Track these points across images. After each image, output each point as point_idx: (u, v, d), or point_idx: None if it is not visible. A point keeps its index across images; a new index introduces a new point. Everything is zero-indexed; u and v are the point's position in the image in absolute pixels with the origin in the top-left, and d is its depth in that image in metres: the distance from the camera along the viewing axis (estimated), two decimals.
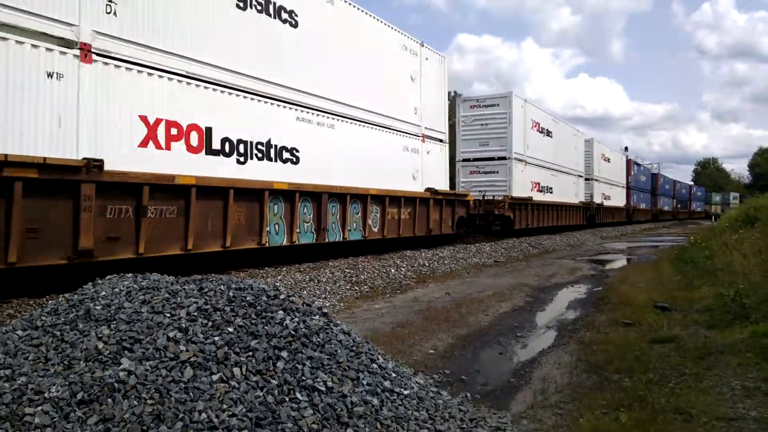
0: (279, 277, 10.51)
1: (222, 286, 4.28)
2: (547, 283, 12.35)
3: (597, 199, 37.03)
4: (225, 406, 3.10)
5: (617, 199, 43.24)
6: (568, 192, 31.31)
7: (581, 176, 33.95)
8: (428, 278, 12.68)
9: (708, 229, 22.42)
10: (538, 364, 6.14)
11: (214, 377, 3.27)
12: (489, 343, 7.03)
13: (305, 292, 9.69)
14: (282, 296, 4.29)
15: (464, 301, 9.58)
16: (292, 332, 3.84)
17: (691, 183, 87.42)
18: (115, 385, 3.07)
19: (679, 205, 74.38)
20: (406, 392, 3.88)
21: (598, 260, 18.14)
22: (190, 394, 3.12)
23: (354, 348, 4.10)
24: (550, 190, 28.17)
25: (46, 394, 3.03)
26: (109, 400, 2.99)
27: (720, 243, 13.29)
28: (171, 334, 3.53)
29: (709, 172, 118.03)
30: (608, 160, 40.87)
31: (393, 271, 12.68)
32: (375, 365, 4.04)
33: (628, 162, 48.58)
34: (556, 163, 29.04)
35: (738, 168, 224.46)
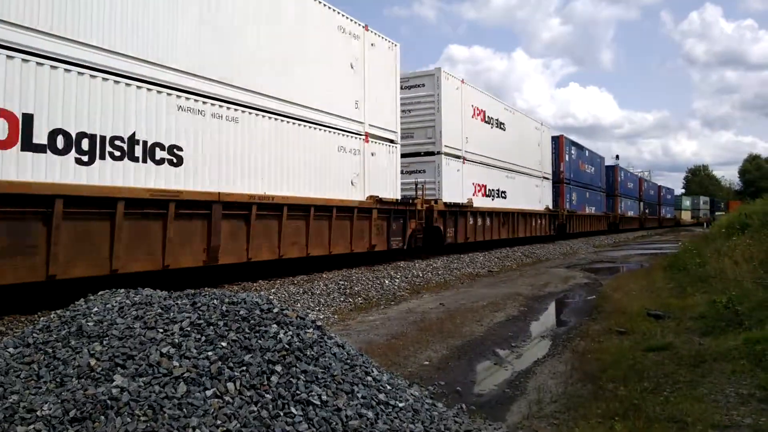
0: (272, 290, 10.48)
1: (215, 301, 4.27)
2: (540, 292, 12.36)
3: (451, 196, 18.65)
4: (219, 422, 3.08)
5: (528, 197, 26.21)
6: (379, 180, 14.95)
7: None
8: (422, 289, 12.68)
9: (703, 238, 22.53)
10: (533, 374, 6.14)
11: (208, 393, 3.26)
12: (484, 354, 7.03)
13: (299, 305, 9.67)
14: (275, 309, 4.28)
15: (458, 312, 9.58)
16: (286, 346, 3.83)
17: (659, 184, 72.85)
18: (108, 402, 3.05)
19: (647, 210, 59.96)
20: (401, 405, 3.87)
21: (591, 269, 18.19)
22: (184, 410, 3.10)
23: (348, 361, 4.09)
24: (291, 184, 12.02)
25: (38, 412, 3.01)
26: (102, 417, 2.97)
27: (712, 250, 13.37)
28: (164, 350, 3.51)
29: (699, 179, 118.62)
30: (499, 126, 22.98)
31: (387, 282, 12.67)
32: (370, 378, 4.03)
33: (560, 140, 31.52)
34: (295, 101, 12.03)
35: (728, 175, 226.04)
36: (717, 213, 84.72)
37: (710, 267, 11.35)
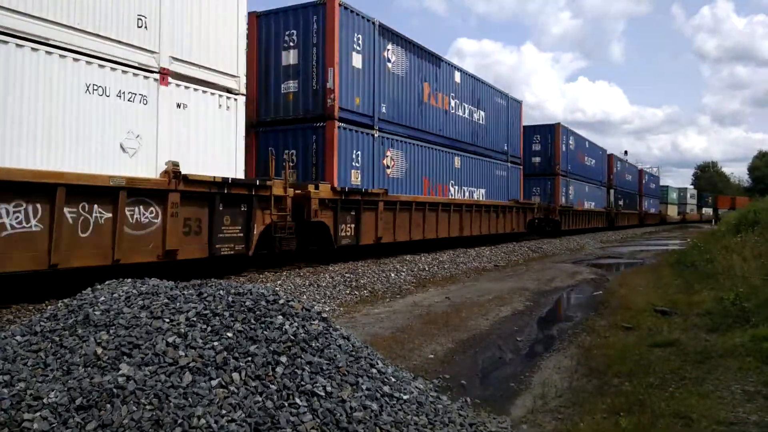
0: (278, 282, 10.50)
1: (221, 291, 4.28)
2: (547, 287, 12.34)
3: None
4: (224, 412, 3.09)
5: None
6: None
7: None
8: (428, 282, 12.67)
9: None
10: (538, 369, 6.14)
11: (213, 382, 3.27)
12: (489, 348, 7.03)
13: (305, 297, 9.69)
14: (281, 301, 4.29)
15: (464, 306, 9.57)
16: (292, 337, 3.84)
17: (640, 166, 54.62)
18: (114, 390, 3.06)
19: (621, 201, 43.36)
20: (405, 397, 3.87)
21: (598, 264, 18.14)
22: (189, 399, 3.11)
23: (353, 353, 4.10)
24: None
25: (44, 400, 3.03)
26: (108, 405, 2.99)
27: (720, 246, 13.29)
28: (170, 340, 3.53)
29: (708, 176, 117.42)
30: None
31: (393, 275, 12.67)
32: (374, 370, 4.03)
33: (329, 6, 12.56)
34: None
35: (738, 172, 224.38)
36: (704, 209, 77.38)
37: (718, 263, 11.28)
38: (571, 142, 31.31)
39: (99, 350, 3.44)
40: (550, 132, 29.24)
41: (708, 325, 7.40)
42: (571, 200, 30.61)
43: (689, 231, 41.88)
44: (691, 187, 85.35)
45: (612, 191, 40.80)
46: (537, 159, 28.95)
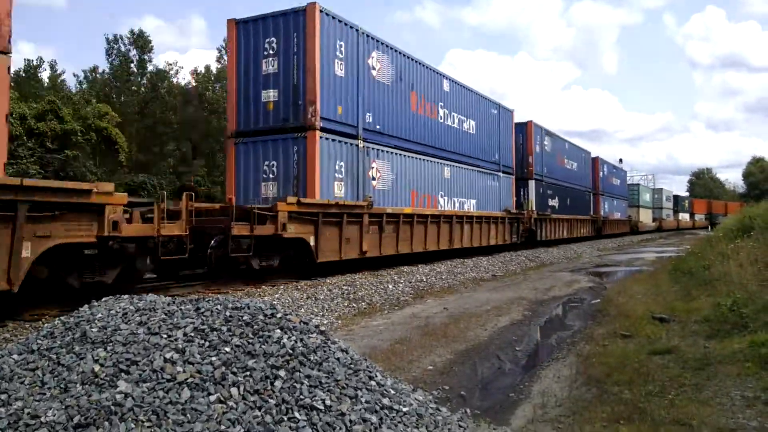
0: (276, 296, 10.47)
1: (219, 306, 4.27)
2: (545, 296, 12.33)
3: None
4: (223, 427, 3.08)
5: None
6: None
7: None
8: (426, 294, 12.66)
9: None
10: (538, 378, 6.13)
11: (212, 398, 3.26)
12: (488, 358, 7.01)
13: (303, 310, 9.66)
14: (279, 315, 4.28)
15: (462, 316, 9.56)
16: (290, 351, 3.83)
17: (592, 154, 38.58)
18: (112, 407, 3.05)
19: (557, 201, 29.51)
20: (405, 409, 3.86)
21: (596, 273, 18.15)
22: (188, 415, 3.10)
23: (352, 365, 4.09)
24: None
25: (42, 419, 3.01)
26: (106, 423, 2.97)
27: (716, 253, 13.31)
28: (168, 355, 3.52)
29: (704, 183, 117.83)
30: None
31: (391, 287, 12.65)
32: (373, 382, 4.02)
33: None
34: None
35: (732, 178, 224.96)
36: (681, 215, 71.66)
37: (715, 270, 11.30)
38: (376, 57, 14.65)
39: (96, 367, 3.42)
40: (297, 24, 12.68)
41: (706, 331, 7.40)
42: (375, 192, 14.45)
43: (685, 237, 41.61)
44: (667, 188, 74.53)
45: (533, 183, 26.74)
46: (271, 93, 13.07)
